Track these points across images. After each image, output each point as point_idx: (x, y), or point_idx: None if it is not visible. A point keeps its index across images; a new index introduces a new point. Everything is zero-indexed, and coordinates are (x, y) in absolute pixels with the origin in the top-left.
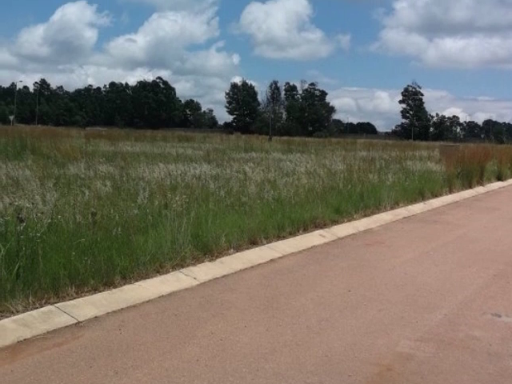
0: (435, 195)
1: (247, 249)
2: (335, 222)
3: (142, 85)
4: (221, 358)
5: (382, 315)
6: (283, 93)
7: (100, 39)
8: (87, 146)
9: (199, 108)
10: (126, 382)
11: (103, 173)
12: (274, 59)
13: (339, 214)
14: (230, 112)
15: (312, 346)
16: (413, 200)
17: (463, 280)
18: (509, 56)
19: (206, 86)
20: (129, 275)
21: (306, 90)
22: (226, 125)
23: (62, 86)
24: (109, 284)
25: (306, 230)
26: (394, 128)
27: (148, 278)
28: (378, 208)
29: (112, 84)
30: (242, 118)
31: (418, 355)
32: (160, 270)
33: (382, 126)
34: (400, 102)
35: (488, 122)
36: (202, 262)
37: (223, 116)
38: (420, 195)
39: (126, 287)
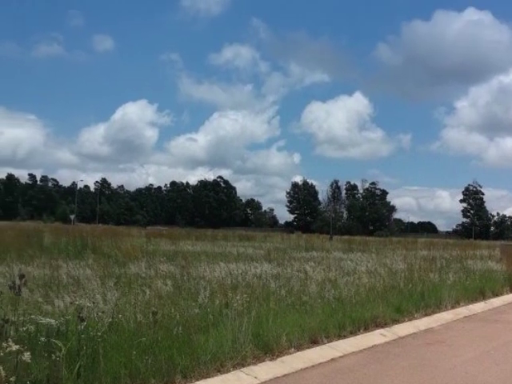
0: (496, 294)
1: (308, 348)
2: (396, 321)
3: (203, 184)
4: None
5: None
6: (344, 192)
7: (161, 138)
8: (148, 245)
9: (260, 207)
10: None
11: (164, 272)
12: (334, 158)
13: (400, 313)
14: (291, 211)
15: None
16: (473, 299)
17: None
18: None
19: (267, 185)
20: (189, 374)
21: (367, 189)
22: (287, 224)
23: (122, 185)
24: (170, 383)
25: (366, 329)
26: (454, 227)
27: (209, 377)
28: (438, 307)
29: (173, 183)
30: (303, 217)
31: None
32: (221, 369)
33: (442, 225)
34: (461, 201)
35: None
36: (263, 361)
37: (284, 215)
38: (481, 294)
39: None
